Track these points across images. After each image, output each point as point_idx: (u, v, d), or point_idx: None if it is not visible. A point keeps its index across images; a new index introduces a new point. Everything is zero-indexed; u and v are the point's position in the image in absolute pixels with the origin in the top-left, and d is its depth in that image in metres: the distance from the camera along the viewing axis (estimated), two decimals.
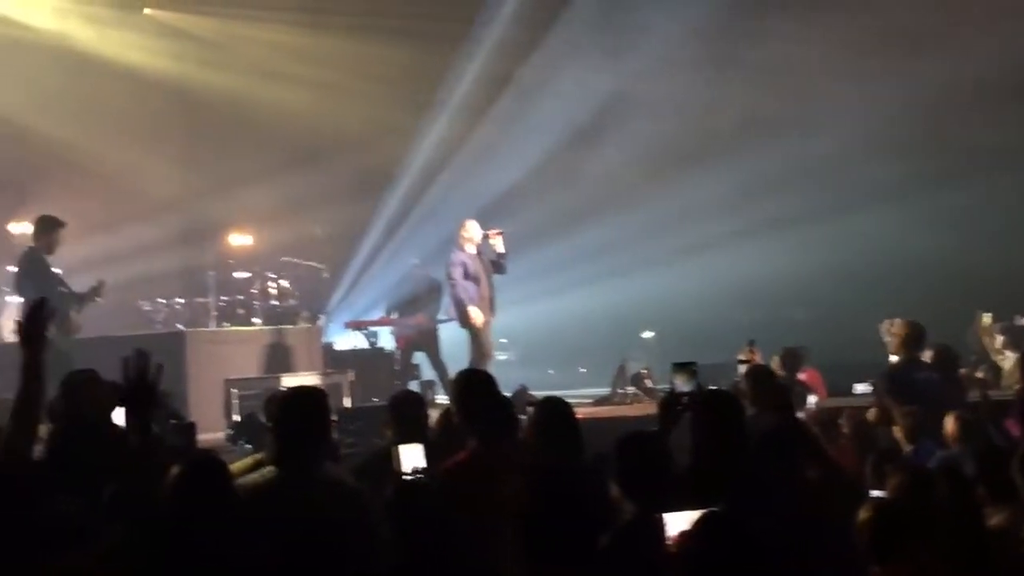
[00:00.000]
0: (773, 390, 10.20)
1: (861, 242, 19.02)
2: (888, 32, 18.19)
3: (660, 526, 5.26)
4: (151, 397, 5.00)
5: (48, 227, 13.97)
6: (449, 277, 15.53)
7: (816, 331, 17.23)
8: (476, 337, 15.42)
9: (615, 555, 5.32)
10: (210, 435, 12.15)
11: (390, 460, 7.19)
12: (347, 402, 15.31)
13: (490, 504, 5.97)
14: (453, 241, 15.78)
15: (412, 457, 6.55)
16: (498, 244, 15.52)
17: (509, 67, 19.52)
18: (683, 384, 7.00)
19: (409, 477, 6.43)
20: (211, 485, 5.20)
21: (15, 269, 14.36)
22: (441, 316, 15.99)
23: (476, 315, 15.31)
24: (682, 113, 18.87)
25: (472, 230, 15.61)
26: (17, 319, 5.34)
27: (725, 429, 6.59)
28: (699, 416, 6.67)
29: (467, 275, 15.42)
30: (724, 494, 5.69)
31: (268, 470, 5.92)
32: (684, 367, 7.08)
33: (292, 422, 5.86)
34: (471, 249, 15.59)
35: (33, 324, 5.38)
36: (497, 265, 15.65)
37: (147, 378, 4.98)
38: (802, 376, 12.93)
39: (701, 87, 18.93)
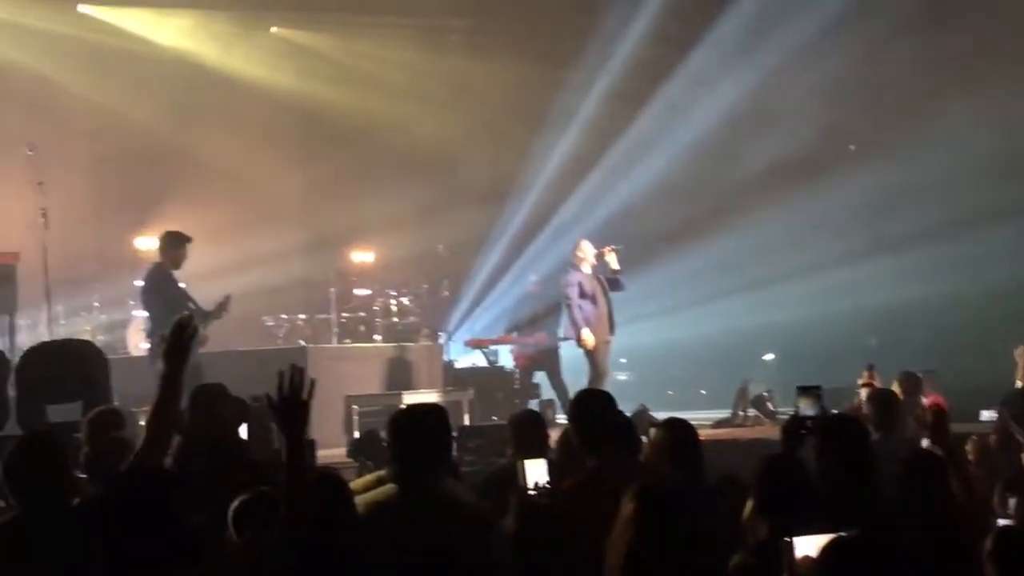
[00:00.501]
0: (896, 414, 10.20)
1: (990, 263, 18.69)
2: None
3: (790, 549, 5.20)
4: (305, 413, 5.02)
5: (174, 242, 14.12)
6: (566, 297, 15.54)
7: (941, 355, 17.01)
8: (592, 357, 15.43)
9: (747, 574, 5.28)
10: (331, 451, 12.25)
11: (510, 479, 7.19)
12: (466, 420, 15.35)
13: (609, 526, 5.93)
14: (568, 261, 15.81)
15: (536, 472, 6.54)
16: (612, 261, 15.54)
17: (634, 85, 19.47)
18: (807, 408, 6.94)
19: (532, 492, 6.41)
20: (332, 502, 5.22)
21: (141, 283, 14.55)
22: (561, 335, 15.96)
23: (588, 336, 15.33)
24: (805, 130, 18.70)
25: (586, 249, 15.64)
26: (161, 333, 5.40)
27: (850, 453, 6.51)
28: (824, 440, 6.59)
29: (583, 295, 15.43)
30: (853, 518, 5.61)
31: (388, 487, 5.94)
32: (808, 391, 7.02)
33: (413, 440, 5.86)
34: (586, 268, 15.61)
35: (178, 340, 5.43)
36: (614, 282, 15.63)
37: (301, 394, 5.01)
38: (926, 401, 12.74)
39: (826, 104, 18.74)
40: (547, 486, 6.54)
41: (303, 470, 4.97)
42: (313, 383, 5.00)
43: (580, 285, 15.44)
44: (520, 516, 5.76)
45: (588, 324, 15.37)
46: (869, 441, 6.79)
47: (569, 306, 15.50)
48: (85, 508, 5.43)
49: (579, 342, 15.48)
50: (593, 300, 15.48)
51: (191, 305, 14.02)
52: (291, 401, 4.97)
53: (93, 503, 5.10)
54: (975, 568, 5.46)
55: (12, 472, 5.63)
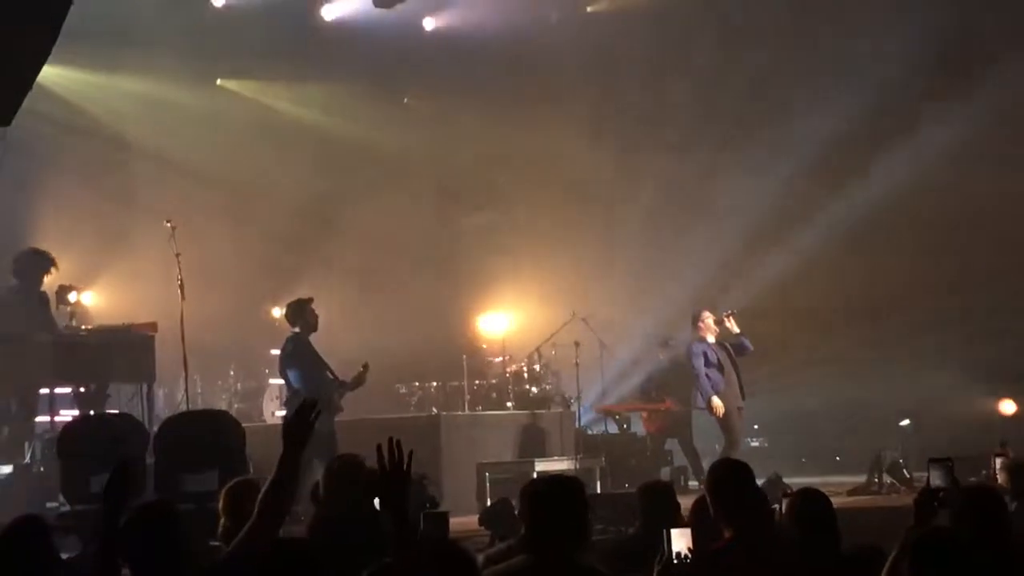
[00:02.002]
0: None
1: None
2: None
3: None
4: (406, 485, 5.03)
5: (300, 308, 14.34)
6: (693, 369, 15.85)
7: None
8: (725, 424, 15.72)
9: None
10: (463, 518, 12.28)
11: (639, 549, 7.18)
12: (598, 488, 15.32)
13: None
14: (692, 332, 16.12)
15: (681, 541, 6.51)
16: (733, 325, 15.83)
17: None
18: (939, 479, 6.87)
19: (676, 562, 6.38)
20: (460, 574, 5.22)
21: (279, 352, 14.75)
22: (698, 405, 16.04)
23: (719, 404, 15.58)
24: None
25: (707, 319, 15.90)
26: (286, 417, 5.44)
27: (989, 524, 6.40)
28: (959, 512, 6.50)
29: (707, 363, 15.72)
30: None
31: (522, 557, 5.93)
32: (940, 462, 6.95)
33: (549, 509, 5.84)
34: (710, 338, 15.89)
35: (300, 424, 5.46)
36: (739, 347, 15.90)
37: (402, 466, 5.02)
38: None
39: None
40: (689, 555, 6.51)
41: (410, 542, 4.98)
42: (411, 454, 5.03)
43: (705, 355, 15.76)
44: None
45: (717, 392, 15.61)
46: (1006, 511, 6.67)
47: (697, 376, 15.77)
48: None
49: (711, 410, 15.69)
50: (720, 368, 15.74)
51: (328, 375, 14.20)
52: (392, 474, 5.00)
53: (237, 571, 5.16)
54: None
55: (126, 542, 5.68)
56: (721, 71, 19.37)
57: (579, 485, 6.01)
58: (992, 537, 6.36)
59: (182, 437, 10.61)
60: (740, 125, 19.32)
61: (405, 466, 5.01)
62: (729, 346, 15.89)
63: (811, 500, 6.85)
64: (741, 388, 15.85)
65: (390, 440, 4.96)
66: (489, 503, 12.45)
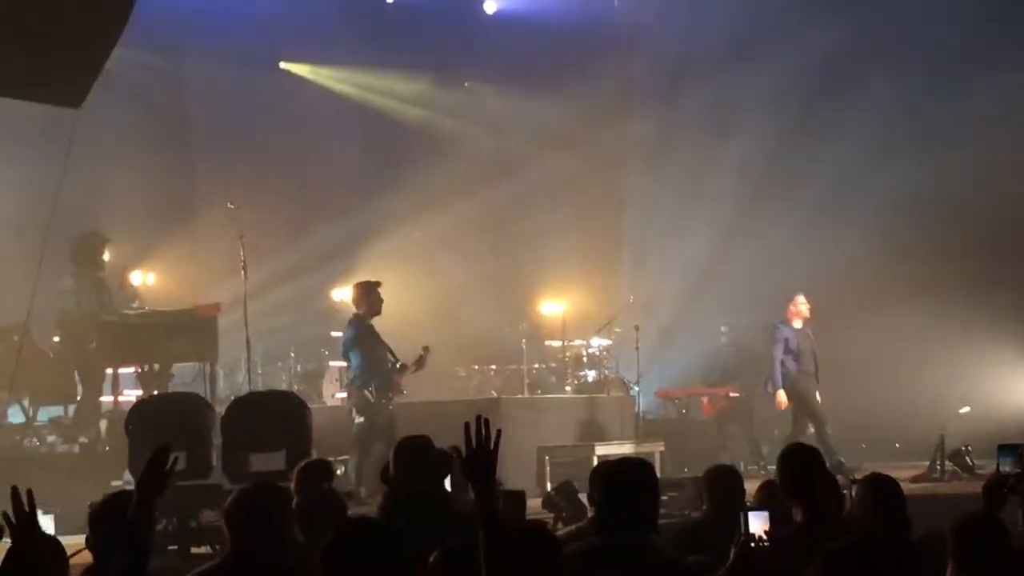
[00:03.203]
0: None
1: None
2: None
3: None
4: (493, 464, 5.03)
5: (366, 291, 14.42)
6: (771, 351, 15.70)
7: None
8: (808, 411, 15.64)
9: None
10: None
11: (704, 533, 7.19)
12: (658, 472, 15.30)
13: None
14: (780, 315, 15.93)
15: (758, 524, 6.52)
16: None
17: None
18: (1009, 466, 6.84)
19: (753, 544, 6.39)
20: (542, 554, 5.25)
21: (341, 335, 14.85)
22: (765, 387, 15.92)
23: (781, 401, 15.62)
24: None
25: (801, 304, 15.72)
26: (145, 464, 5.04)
27: None
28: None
29: (787, 350, 15.55)
30: None
31: (594, 539, 5.96)
32: (1009, 448, 6.92)
33: (621, 492, 5.87)
34: (797, 324, 15.73)
35: (154, 473, 5.11)
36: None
37: (489, 444, 5.03)
38: None
39: None
40: (766, 538, 6.52)
41: (496, 522, 4.99)
42: (499, 433, 5.02)
43: (787, 341, 15.59)
44: (741, 567, 5.72)
45: (790, 380, 15.57)
46: None
47: (772, 361, 15.67)
48: (303, 557, 5.51)
49: (775, 399, 15.72)
50: (798, 356, 15.58)
51: (389, 357, 14.28)
52: (479, 452, 5.00)
53: (311, 553, 5.19)
54: None
55: (238, 519, 5.72)
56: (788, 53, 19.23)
57: (651, 468, 6.05)
58: None
59: (250, 417, 10.67)
60: (808, 107, 19.16)
61: (493, 445, 5.02)
62: (812, 335, 15.82)
63: (882, 485, 6.85)
64: (817, 376, 15.72)
65: (478, 418, 4.96)
66: (550, 487, 12.45)
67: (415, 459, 7.06)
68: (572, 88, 20.24)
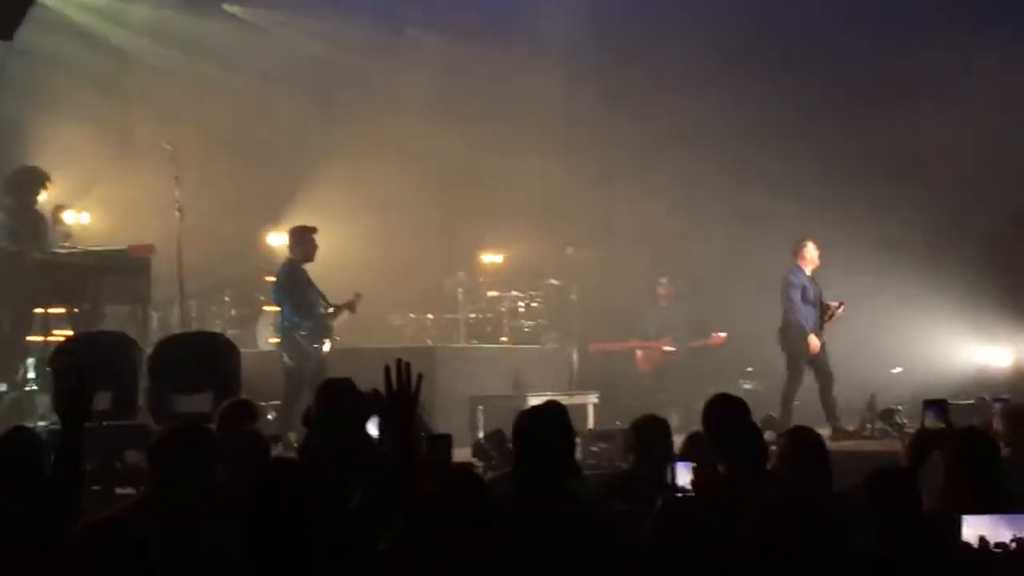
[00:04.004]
0: None
1: None
2: None
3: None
4: (413, 408, 5.01)
5: (300, 236, 14.36)
6: (787, 299, 15.08)
7: None
8: (815, 363, 15.11)
9: None
10: (455, 450, 12.29)
11: (630, 484, 7.20)
12: (591, 424, 15.35)
13: (739, 532, 5.90)
14: (792, 259, 15.39)
15: (684, 475, 6.53)
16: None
17: None
18: (932, 421, 6.88)
19: (679, 495, 6.41)
20: (470, 499, 5.24)
21: (273, 279, 14.77)
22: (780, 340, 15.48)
23: (815, 344, 14.96)
24: None
25: (811, 250, 15.22)
26: (65, 396, 5.02)
27: (979, 469, 6.42)
28: (951, 455, 6.52)
29: (805, 299, 15.02)
30: None
31: (511, 488, 5.94)
32: (934, 404, 6.96)
33: (536, 439, 5.84)
34: (808, 270, 15.22)
35: (76, 403, 5.17)
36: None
37: (409, 388, 5.00)
38: None
39: None
40: (692, 488, 6.53)
41: (413, 466, 4.97)
42: (420, 378, 5.00)
43: (804, 289, 15.03)
44: (666, 517, 5.73)
45: (810, 329, 14.99)
46: (999, 456, 6.69)
47: (792, 309, 15.01)
48: (223, 496, 5.48)
49: (802, 347, 15.01)
50: (814, 306, 15.08)
51: (321, 301, 14.23)
52: (399, 396, 4.98)
53: (232, 492, 5.16)
54: None
55: (160, 458, 5.67)
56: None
57: (564, 413, 5.99)
58: (983, 480, 6.38)
59: (176, 358, 10.60)
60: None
61: (414, 389, 4.99)
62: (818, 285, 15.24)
63: (804, 438, 6.89)
64: (821, 327, 15.19)
65: (398, 362, 4.94)
66: (482, 435, 12.46)
67: (336, 402, 7.03)
68: (519, 37, 20.09)
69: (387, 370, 4.92)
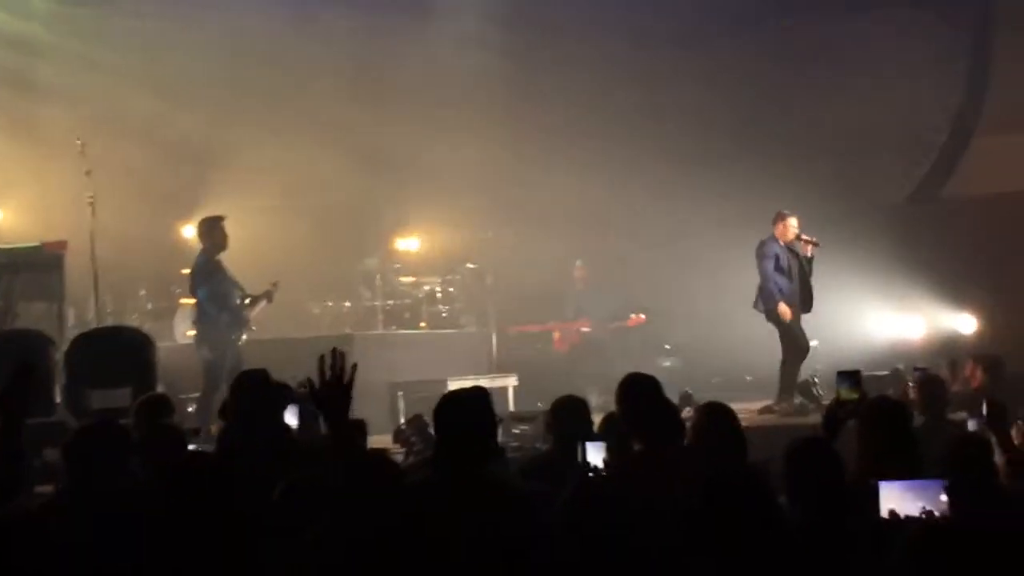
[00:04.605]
0: (944, 398, 10.20)
1: None
2: None
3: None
4: (347, 396, 5.04)
5: (210, 226, 14.25)
6: (760, 268, 14.98)
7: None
8: (786, 333, 15.00)
9: (778, 558, 5.29)
10: (376, 437, 12.31)
11: (549, 464, 7.24)
12: (511, 406, 15.40)
13: (656, 509, 5.95)
14: (769, 230, 15.22)
15: (595, 454, 6.57)
16: (809, 251, 15.09)
17: None
18: (846, 392, 6.96)
19: (591, 474, 6.45)
20: (381, 484, 5.25)
21: (189, 272, 14.69)
22: (761, 308, 15.21)
23: (785, 311, 14.82)
24: None
25: (791, 223, 15.06)
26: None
27: (891, 437, 6.52)
28: (863, 424, 6.62)
29: (778, 268, 14.91)
30: None
31: (432, 471, 5.96)
32: (848, 375, 7.05)
33: (457, 423, 5.87)
34: (784, 242, 15.06)
35: (17, 390, 5.04)
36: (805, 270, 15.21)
37: (343, 377, 5.03)
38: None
39: None
40: (604, 467, 6.57)
41: (347, 453, 4.99)
42: (354, 367, 5.01)
43: (777, 258, 14.92)
44: (578, 497, 5.77)
45: (783, 298, 14.84)
46: (911, 424, 6.80)
47: (764, 278, 14.92)
48: (139, 491, 5.48)
49: (774, 316, 14.91)
50: (788, 275, 14.96)
51: (237, 292, 14.17)
52: (333, 385, 4.99)
53: (148, 488, 5.16)
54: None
55: (74, 454, 5.66)
56: None
57: (486, 397, 6.02)
58: (895, 448, 6.48)
59: (92, 354, 10.54)
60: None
61: (347, 378, 5.01)
62: (801, 255, 15.07)
63: (716, 413, 6.94)
64: (806, 299, 15.08)
65: (332, 351, 4.96)
66: (403, 421, 12.47)
67: (252, 393, 7.02)
68: (433, 18, 20.06)
69: (321, 359, 4.94)
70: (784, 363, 14.94)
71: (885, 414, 6.71)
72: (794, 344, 14.97)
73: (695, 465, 6.50)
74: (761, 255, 15.00)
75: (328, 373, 4.98)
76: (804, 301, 15.09)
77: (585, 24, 19.42)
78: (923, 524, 4.49)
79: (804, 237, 15.01)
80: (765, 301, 14.96)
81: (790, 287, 14.97)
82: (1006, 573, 4.41)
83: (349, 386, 5.05)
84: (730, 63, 19.56)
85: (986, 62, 19.68)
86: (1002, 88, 19.44)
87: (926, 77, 19.37)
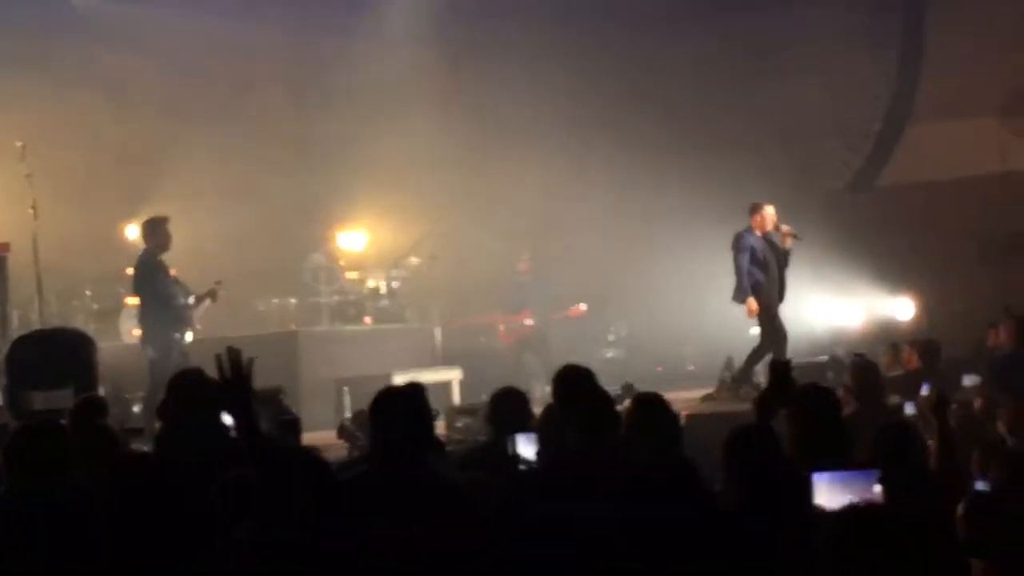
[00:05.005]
0: (877, 384, 10.35)
1: None
2: None
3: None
4: (247, 394, 5.08)
5: (153, 226, 14.25)
6: (735, 261, 14.89)
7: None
8: (765, 324, 14.96)
9: (718, 543, 5.37)
10: (323, 432, 12.39)
11: (489, 455, 7.31)
12: (456, 399, 15.47)
13: (592, 500, 6.03)
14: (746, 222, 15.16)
15: (525, 446, 6.64)
16: (787, 243, 15.10)
17: None
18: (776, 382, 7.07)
19: (522, 466, 6.52)
20: (312, 482, 5.30)
21: (132, 272, 14.68)
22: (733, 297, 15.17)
23: (753, 304, 14.78)
24: None
25: (768, 214, 15.03)
26: None
27: (819, 425, 6.63)
28: (792, 413, 6.73)
29: (755, 260, 14.86)
30: None
31: (369, 466, 6.03)
32: (778, 365, 7.16)
33: (391, 418, 5.93)
34: (760, 233, 15.02)
35: None
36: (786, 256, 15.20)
37: (242, 375, 5.07)
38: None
39: None
40: (535, 459, 6.65)
41: (261, 448, 5.05)
42: (251, 362, 5.08)
43: (753, 250, 14.85)
44: (509, 489, 5.85)
45: (758, 291, 14.79)
46: (838, 411, 6.91)
47: (739, 271, 14.83)
48: (77, 493, 5.52)
49: (747, 308, 14.90)
50: (764, 267, 14.91)
51: (181, 291, 14.17)
52: (231, 384, 5.05)
53: (84, 489, 5.21)
54: (951, 533, 5.58)
55: (13, 457, 5.71)
56: None
57: (420, 391, 6.09)
58: (824, 435, 6.59)
59: (33, 356, 10.54)
60: None
61: (246, 375, 5.06)
62: (779, 246, 15.06)
63: (650, 403, 7.02)
64: (782, 290, 15.08)
65: (229, 350, 5.01)
66: (347, 416, 12.54)
67: (187, 392, 7.07)
68: (370, 13, 20.08)
69: (218, 359, 5.00)
70: (756, 350, 14.86)
71: (813, 402, 6.83)
72: (774, 335, 14.87)
73: (630, 456, 6.61)
74: (737, 248, 14.90)
75: (227, 372, 5.04)
76: (781, 292, 15.08)
77: (529, 12, 19.48)
78: (843, 510, 4.57)
79: (784, 228, 15.00)
80: (742, 294, 14.90)
81: (766, 279, 14.91)
82: (923, 556, 4.50)
83: (248, 383, 5.10)
84: (671, 52, 19.68)
85: (919, 51, 19.91)
86: (936, 76, 19.67)
87: (862, 66, 19.57)
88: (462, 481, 6.10)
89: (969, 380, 11.65)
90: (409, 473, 5.84)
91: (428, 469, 6.00)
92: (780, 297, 15.06)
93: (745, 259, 14.82)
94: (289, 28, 20.37)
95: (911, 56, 19.84)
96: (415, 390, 6.16)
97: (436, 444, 7.16)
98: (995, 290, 18.26)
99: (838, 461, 6.23)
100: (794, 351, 14.59)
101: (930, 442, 7.10)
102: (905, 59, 19.81)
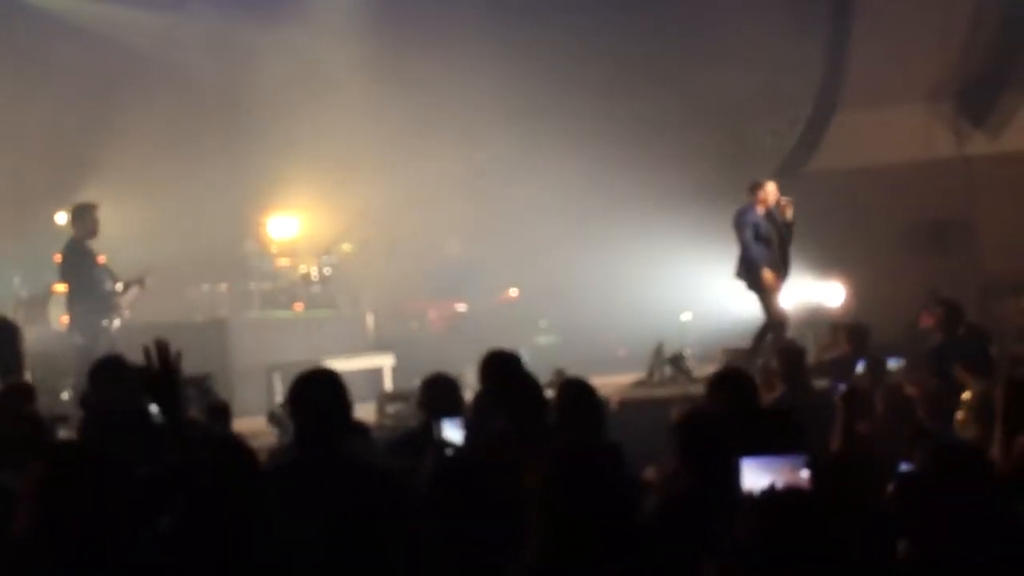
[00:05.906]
0: (803, 368, 10.46)
1: None
2: None
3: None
4: (175, 385, 5.08)
5: (82, 213, 14.17)
6: (739, 239, 14.84)
7: None
8: (768, 301, 14.83)
9: (663, 525, 5.39)
10: (254, 419, 12.35)
11: (419, 440, 7.32)
12: (388, 385, 15.47)
13: (518, 485, 6.03)
14: (747, 200, 15.07)
15: (452, 431, 6.65)
16: (789, 214, 14.93)
17: None
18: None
19: (448, 451, 6.53)
20: (238, 469, 5.29)
21: (59, 258, 14.59)
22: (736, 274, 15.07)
23: (768, 276, 14.70)
24: None
25: (770, 191, 14.93)
26: None
27: (736, 402, 6.72)
28: (710, 392, 6.82)
29: (758, 236, 14.78)
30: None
31: (291, 452, 6.03)
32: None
33: (308, 404, 5.93)
34: (761, 210, 14.91)
35: None
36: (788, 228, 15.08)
37: (170, 367, 5.07)
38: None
39: None
40: (461, 444, 6.66)
41: (187, 440, 5.04)
42: (179, 354, 5.08)
43: (756, 226, 14.78)
44: (435, 474, 5.86)
45: (764, 266, 14.71)
46: (755, 394, 7.00)
47: (745, 247, 14.77)
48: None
49: (757, 283, 14.77)
50: (767, 243, 14.84)
51: (109, 278, 14.08)
52: (159, 374, 5.05)
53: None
54: (875, 515, 5.63)
55: None
56: None
57: (334, 376, 6.08)
58: (742, 413, 6.67)
59: None
60: None
61: (173, 367, 5.05)
62: (780, 224, 14.94)
63: (573, 390, 7.07)
64: (786, 267, 15.00)
65: (156, 341, 5.00)
66: (277, 403, 12.50)
67: (109, 379, 7.03)
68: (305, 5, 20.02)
69: (146, 350, 4.99)
70: (765, 328, 14.75)
71: (727, 383, 6.92)
72: (777, 312, 14.85)
73: (555, 441, 6.63)
74: (739, 225, 14.83)
75: (154, 363, 5.04)
76: (785, 269, 15.04)
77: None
78: (763, 494, 4.61)
79: (783, 200, 14.90)
80: (748, 271, 14.82)
81: (770, 256, 14.82)
82: (839, 538, 4.55)
83: (175, 375, 5.10)
84: (603, 39, 19.73)
85: (846, 37, 20.06)
86: (864, 63, 19.83)
87: (791, 52, 19.69)
88: (381, 464, 6.10)
89: (894, 363, 11.79)
90: (328, 458, 5.83)
91: (349, 453, 6.00)
92: (784, 273, 15.02)
93: (749, 234, 14.75)
94: (221, 14, 20.25)
95: (839, 42, 20.00)
96: (328, 376, 6.14)
97: (357, 428, 7.15)
98: (923, 276, 18.48)
99: (765, 445, 6.29)
100: (725, 337, 14.69)
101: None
102: (833, 45, 19.97)
